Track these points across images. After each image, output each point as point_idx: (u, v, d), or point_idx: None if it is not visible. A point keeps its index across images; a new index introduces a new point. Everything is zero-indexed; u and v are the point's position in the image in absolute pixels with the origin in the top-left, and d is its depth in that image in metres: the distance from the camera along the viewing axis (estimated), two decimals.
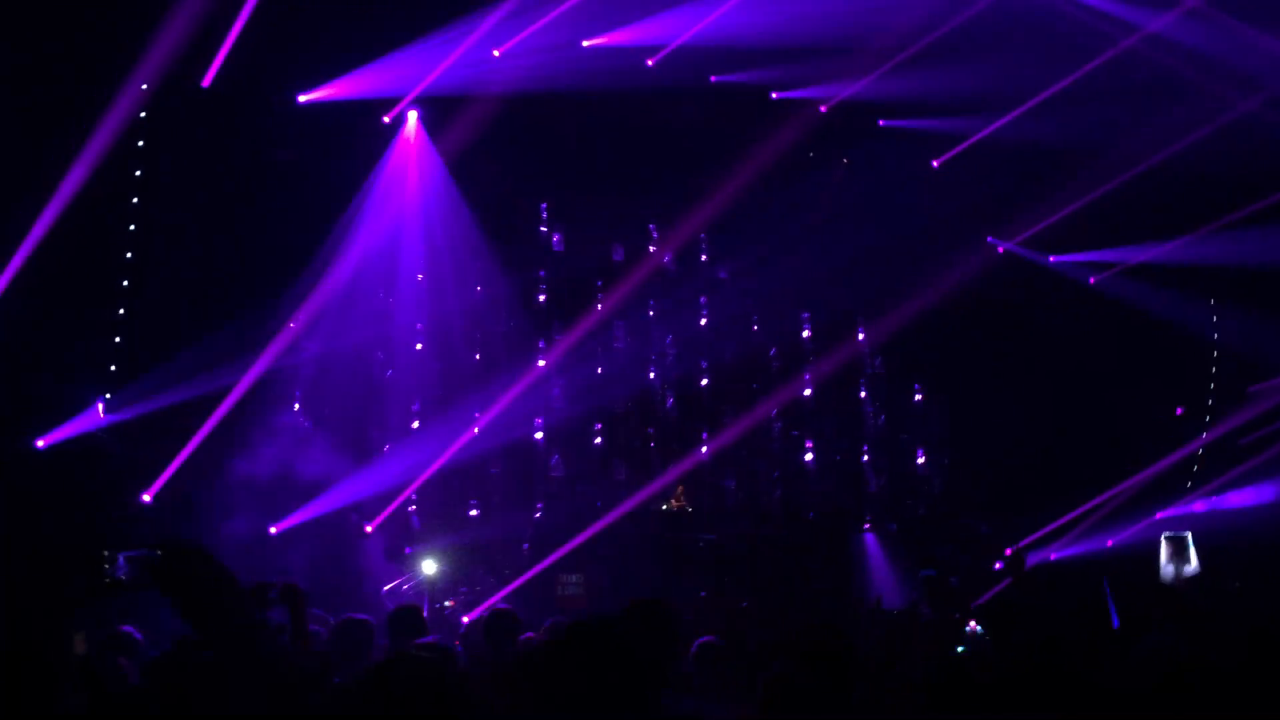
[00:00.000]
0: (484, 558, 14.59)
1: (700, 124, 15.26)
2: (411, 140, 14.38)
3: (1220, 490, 15.29)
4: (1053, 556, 15.44)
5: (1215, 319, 16.07)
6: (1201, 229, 14.27)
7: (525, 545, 15.32)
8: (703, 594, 14.51)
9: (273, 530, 12.62)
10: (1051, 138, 13.94)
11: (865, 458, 17.82)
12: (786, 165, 15.55)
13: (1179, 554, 13.99)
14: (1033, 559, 15.37)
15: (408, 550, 13.82)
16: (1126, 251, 15.00)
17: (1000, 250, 16.58)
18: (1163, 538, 14.18)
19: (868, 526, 17.25)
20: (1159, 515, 15.30)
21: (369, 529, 13.78)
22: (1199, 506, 15.38)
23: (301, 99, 12.89)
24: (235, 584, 3.57)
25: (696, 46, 13.47)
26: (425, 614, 8.67)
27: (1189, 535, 14.01)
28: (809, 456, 17.62)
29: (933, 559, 14.50)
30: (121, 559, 9.05)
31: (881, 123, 15.32)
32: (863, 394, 17.92)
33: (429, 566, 13.31)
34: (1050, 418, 15.78)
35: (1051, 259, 16.23)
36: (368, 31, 12.63)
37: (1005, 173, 14.90)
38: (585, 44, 13.81)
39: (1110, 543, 14.92)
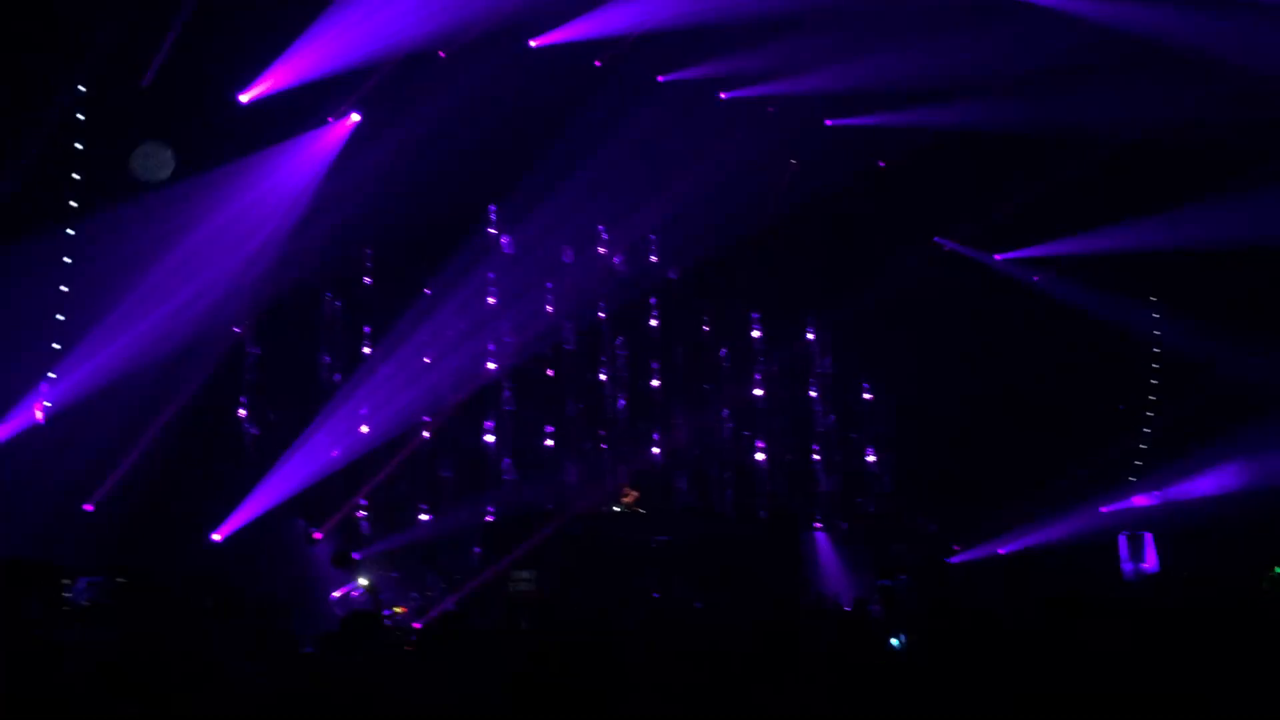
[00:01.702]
0: (433, 562, 14.49)
1: (649, 123, 15.25)
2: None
3: (1163, 484, 15.55)
4: (1000, 551, 15.62)
5: (1156, 315, 16.33)
6: (1144, 215, 14.47)
7: (476, 549, 15.24)
8: (655, 595, 14.52)
9: (215, 537, 12.43)
10: (993, 128, 14.07)
11: (816, 457, 17.91)
12: (734, 165, 15.62)
13: (1137, 552, 14.25)
14: (978, 553, 15.61)
15: (356, 556, 13.66)
16: (1070, 243, 15.18)
17: (947, 249, 16.75)
18: (1121, 536, 14.42)
19: (819, 525, 17.34)
20: (1103, 509, 15.54)
21: (318, 535, 13.62)
22: (1142, 500, 15.63)
23: (243, 98, 12.68)
24: (187, 607, 3.52)
25: (641, 41, 13.38)
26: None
27: (1147, 535, 14.28)
28: (760, 456, 17.68)
29: (890, 570, 14.62)
30: (81, 583, 8.88)
31: (828, 122, 15.39)
32: (812, 393, 18.01)
33: (364, 578, 13.22)
34: (997, 415, 15.94)
35: (997, 257, 16.42)
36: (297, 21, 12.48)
37: (950, 167, 15.05)
38: (532, 43, 13.77)
39: (1057, 536, 15.11)
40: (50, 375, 11.65)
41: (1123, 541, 14.44)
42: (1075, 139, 14.00)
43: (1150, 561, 14.31)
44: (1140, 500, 15.66)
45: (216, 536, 12.47)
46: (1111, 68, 13.07)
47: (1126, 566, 14.15)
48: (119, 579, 10.08)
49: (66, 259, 11.85)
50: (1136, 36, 12.75)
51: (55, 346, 11.74)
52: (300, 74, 12.27)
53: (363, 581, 13.07)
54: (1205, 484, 15.12)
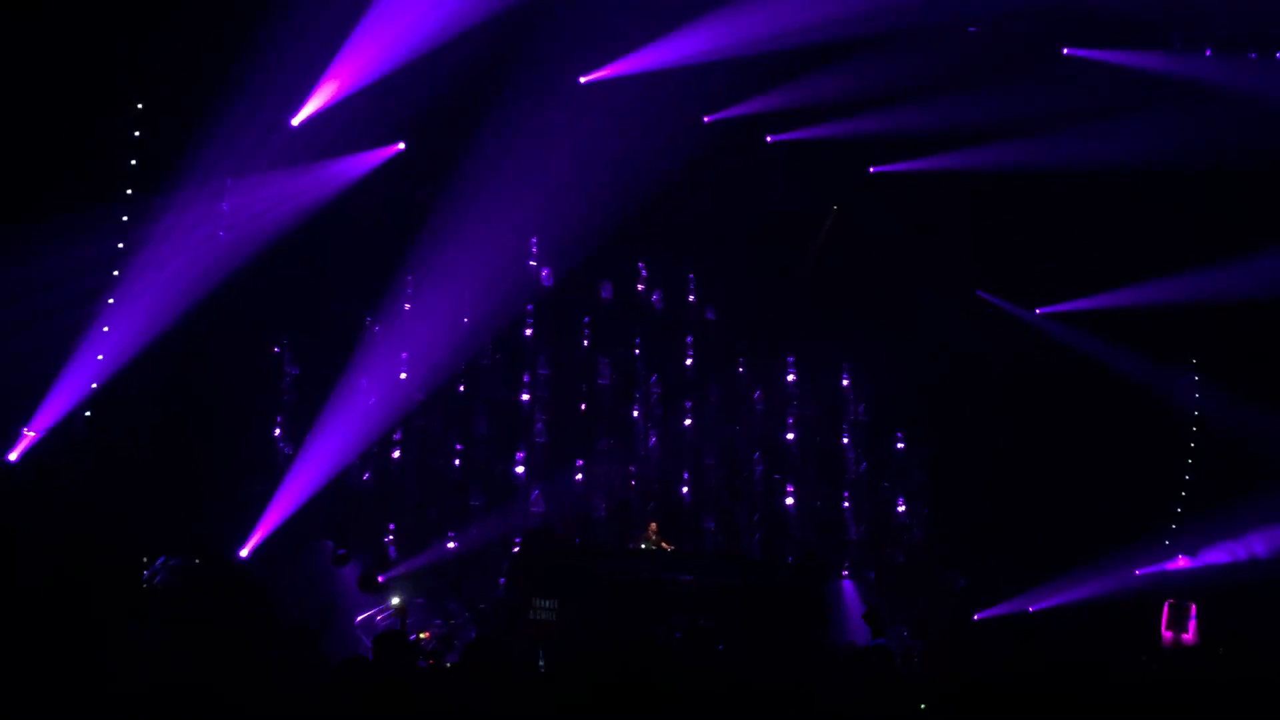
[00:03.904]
0: (458, 590, 14.47)
1: (694, 164, 15.34)
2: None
3: (1199, 548, 15.30)
4: (1030, 609, 15.39)
5: (1196, 377, 16.15)
6: (1187, 269, 14.40)
7: (501, 580, 15.21)
8: (678, 635, 14.40)
9: (243, 553, 12.49)
10: (1036, 172, 14.06)
11: (846, 504, 17.77)
12: (774, 209, 15.70)
13: (1179, 621, 14.02)
14: (1007, 609, 15.37)
15: (381, 579, 13.68)
16: (1111, 297, 15.08)
17: (988, 302, 16.65)
18: (1167, 604, 14.19)
19: (846, 573, 17.17)
20: (1139, 571, 15.30)
21: (342, 553, 13.66)
22: (1182, 563, 15.37)
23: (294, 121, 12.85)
24: (265, 593, 3.55)
25: (688, 76, 13.47)
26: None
27: (1192, 606, 14.05)
28: (789, 501, 17.57)
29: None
30: (161, 563, 9.01)
31: (872, 169, 15.42)
32: (845, 440, 17.91)
33: (395, 598, 13.22)
34: (1032, 471, 15.77)
35: (1038, 310, 16.32)
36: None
37: (992, 216, 15.03)
38: (583, 81, 13.92)
39: (1088, 594, 14.88)
40: (99, 357, 11.80)
41: (1167, 609, 14.19)
42: (1120, 185, 13.96)
43: (1191, 633, 14.06)
44: (1181, 563, 15.40)
45: (242, 553, 12.53)
46: (1158, 110, 13.09)
47: (1166, 634, 13.92)
48: (197, 561, 10.23)
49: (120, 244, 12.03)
50: (1185, 81, 12.80)
51: (104, 329, 11.89)
52: (344, 89, 12.44)
53: (395, 601, 13.08)
54: (1242, 548, 14.87)
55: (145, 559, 10.28)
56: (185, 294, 12.45)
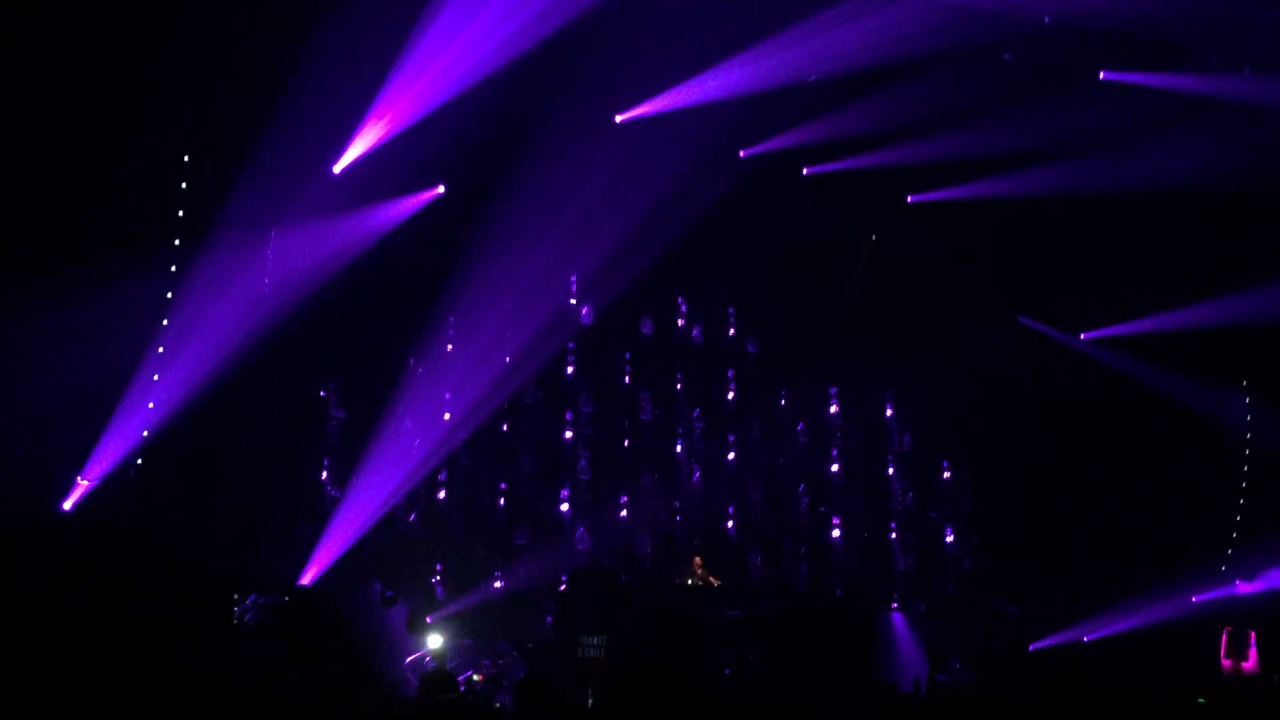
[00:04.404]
0: (506, 629, 14.47)
1: (731, 198, 15.40)
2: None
3: (1257, 573, 15.01)
4: (1086, 639, 15.14)
5: (1247, 399, 15.90)
6: (1233, 290, 14.23)
7: (549, 618, 15.19)
8: (727, 670, 14.30)
9: (304, 581, 12.57)
10: (1078, 195, 13.97)
11: (893, 535, 17.62)
12: (812, 240, 15.70)
13: (1238, 649, 13.78)
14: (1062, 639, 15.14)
15: (429, 619, 13.70)
16: (1157, 320, 14.91)
17: (1032, 327, 16.52)
18: (1225, 631, 13.94)
19: (895, 605, 16.99)
20: (1196, 598, 15.03)
21: (390, 594, 13.71)
22: (1241, 589, 15.08)
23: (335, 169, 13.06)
24: (351, 631, 3.60)
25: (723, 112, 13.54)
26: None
27: (1251, 633, 13.80)
28: (836, 533, 17.45)
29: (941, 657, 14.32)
30: (251, 601, 9.11)
31: (911, 198, 15.39)
32: (890, 470, 17.78)
33: (437, 640, 13.22)
34: (1083, 498, 15.56)
35: (1083, 336, 16.16)
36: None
37: (1035, 241, 14.94)
38: (618, 119, 14.03)
39: (1144, 622, 14.62)
40: (149, 405, 11.97)
41: (1226, 637, 13.92)
42: (1161, 207, 13.84)
43: (1251, 661, 13.79)
44: (1239, 589, 15.11)
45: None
46: (1198, 131, 13.00)
47: (1225, 662, 13.64)
48: (288, 598, 10.29)
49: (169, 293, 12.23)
50: (1224, 101, 12.71)
51: (154, 378, 12.06)
52: (384, 134, 12.62)
53: (433, 646, 13.10)
54: None
55: (236, 596, 10.38)
56: (232, 341, 12.62)
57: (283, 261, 13.05)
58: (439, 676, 7.31)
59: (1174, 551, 15.00)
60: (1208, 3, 12.21)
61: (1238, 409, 15.89)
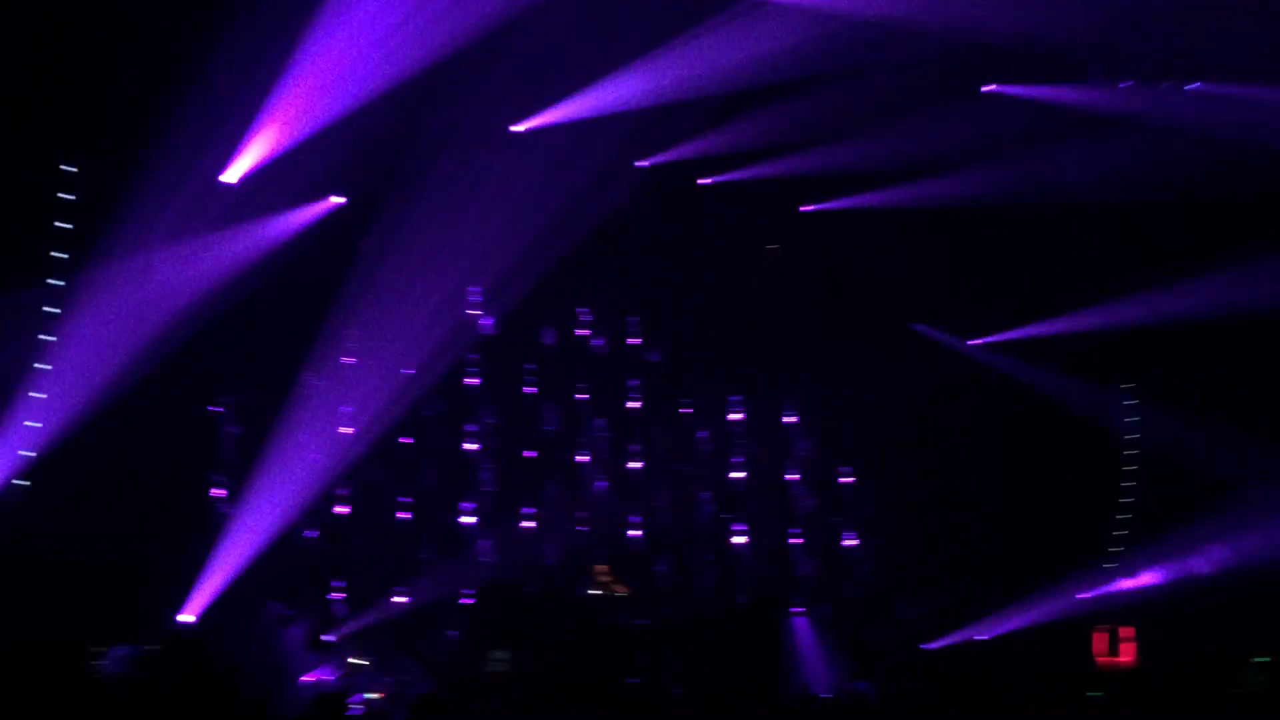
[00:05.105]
0: (409, 646, 14.32)
1: (630, 208, 15.49)
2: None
3: (1137, 571, 15.53)
4: (978, 638, 15.50)
5: (1130, 402, 16.42)
6: (1116, 295, 14.72)
7: (454, 633, 15.08)
8: (634, 680, 14.35)
9: (190, 618, 12.29)
10: (966, 205, 14.33)
11: (796, 540, 17.81)
12: (712, 250, 15.86)
13: (1113, 646, 14.23)
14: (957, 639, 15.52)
15: (329, 638, 13.50)
16: (1043, 326, 15.36)
17: (923, 334, 16.88)
18: (1101, 629, 14.39)
19: (799, 610, 17.18)
20: (1080, 595, 15.48)
21: (288, 614, 13.46)
22: (1124, 585, 15.58)
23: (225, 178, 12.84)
24: (234, 669, 3.51)
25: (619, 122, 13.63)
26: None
27: (1123, 629, 14.26)
28: (740, 539, 17.60)
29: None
30: (113, 654, 8.69)
31: (803, 208, 15.63)
32: (793, 476, 17.98)
33: (346, 657, 13.05)
34: (974, 499, 15.94)
35: (971, 342, 16.56)
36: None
37: (926, 250, 15.28)
38: (514, 129, 14.03)
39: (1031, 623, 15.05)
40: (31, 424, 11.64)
41: (1096, 636, 14.41)
42: (1049, 216, 14.26)
43: (1126, 657, 14.28)
44: (1122, 585, 15.60)
45: (188, 617, 12.33)
46: (1079, 143, 13.44)
47: (1100, 660, 14.11)
48: (153, 648, 9.93)
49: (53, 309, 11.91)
50: (1104, 114, 13.15)
51: (37, 395, 11.73)
52: (278, 145, 12.45)
53: (352, 661, 12.91)
54: (1181, 569, 15.12)
55: (93, 650, 9.97)
56: (120, 356, 12.32)
57: (173, 273, 12.78)
58: (327, 700, 7.22)
59: (1064, 551, 15.42)
60: (1087, 19, 12.62)
61: (1121, 411, 16.41)
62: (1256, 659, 11.64)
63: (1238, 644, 12.60)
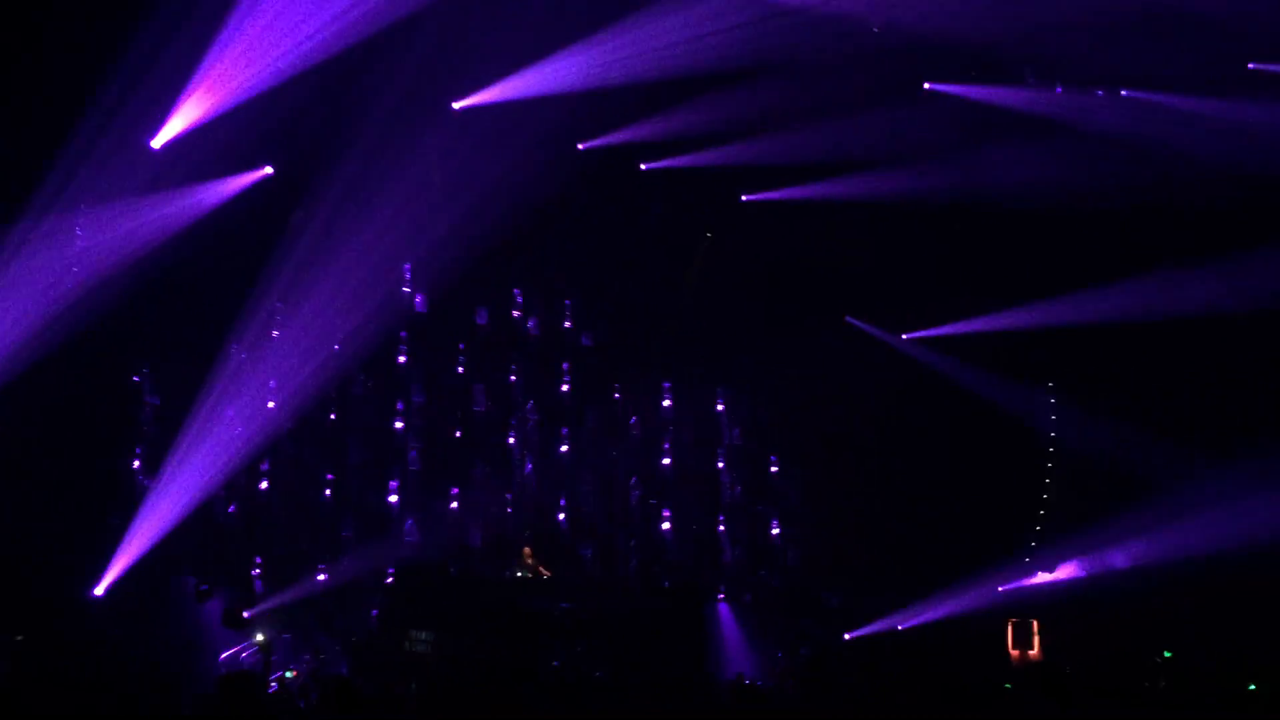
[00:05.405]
0: (329, 624, 14.16)
1: (569, 191, 15.40)
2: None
3: (1053, 564, 15.86)
4: (900, 627, 15.71)
5: (1053, 401, 16.74)
6: (1044, 295, 14.98)
7: (374, 611, 14.92)
8: (556, 663, 14.32)
9: (98, 591, 12.01)
10: (904, 202, 14.47)
11: (721, 528, 17.89)
12: (649, 236, 15.84)
13: (1024, 639, 14.53)
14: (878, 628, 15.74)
15: (247, 614, 13.28)
16: (975, 323, 15.58)
17: (857, 328, 17.02)
18: (1010, 622, 14.65)
19: (722, 597, 17.28)
20: (1001, 588, 15.77)
21: (204, 588, 13.24)
22: (1043, 578, 15.89)
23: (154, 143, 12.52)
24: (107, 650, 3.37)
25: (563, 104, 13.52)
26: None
27: (1034, 622, 14.54)
28: (666, 526, 17.63)
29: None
30: None
31: (745, 198, 15.66)
32: (720, 464, 18.05)
33: (263, 634, 12.86)
34: (902, 492, 16.12)
35: (904, 336, 16.74)
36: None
37: (864, 245, 15.40)
38: (456, 106, 13.86)
39: (952, 612, 15.31)
40: None
41: (1010, 628, 14.70)
42: (985, 215, 14.45)
43: (1036, 649, 14.59)
44: (1041, 578, 15.90)
45: (98, 591, 12.05)
46: (1015, 144, 13.64)
47: (1013, 651, 14.43)
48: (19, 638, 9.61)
49: None
50: (1038, 117, 13.37)
51: None
52: (208, 111, 12.16)
53: (259, 638, 12.72)
54: (1097, 563, 15.48)
55: None
56: (35, 322, 11.97)
57: (94, 239, 12.44)
58: (242, 677, 7.09)
59: (985, 544, 15.67)
60: (1025, 23, 12.80)
61: (1043, 408, 16.72)
62: (1165, 654, 11.95)
63: (1147, 639, 12.93)
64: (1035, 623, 14.46)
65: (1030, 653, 14.31)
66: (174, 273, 12.99)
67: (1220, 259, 13.70)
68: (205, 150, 12.93)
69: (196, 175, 13.30)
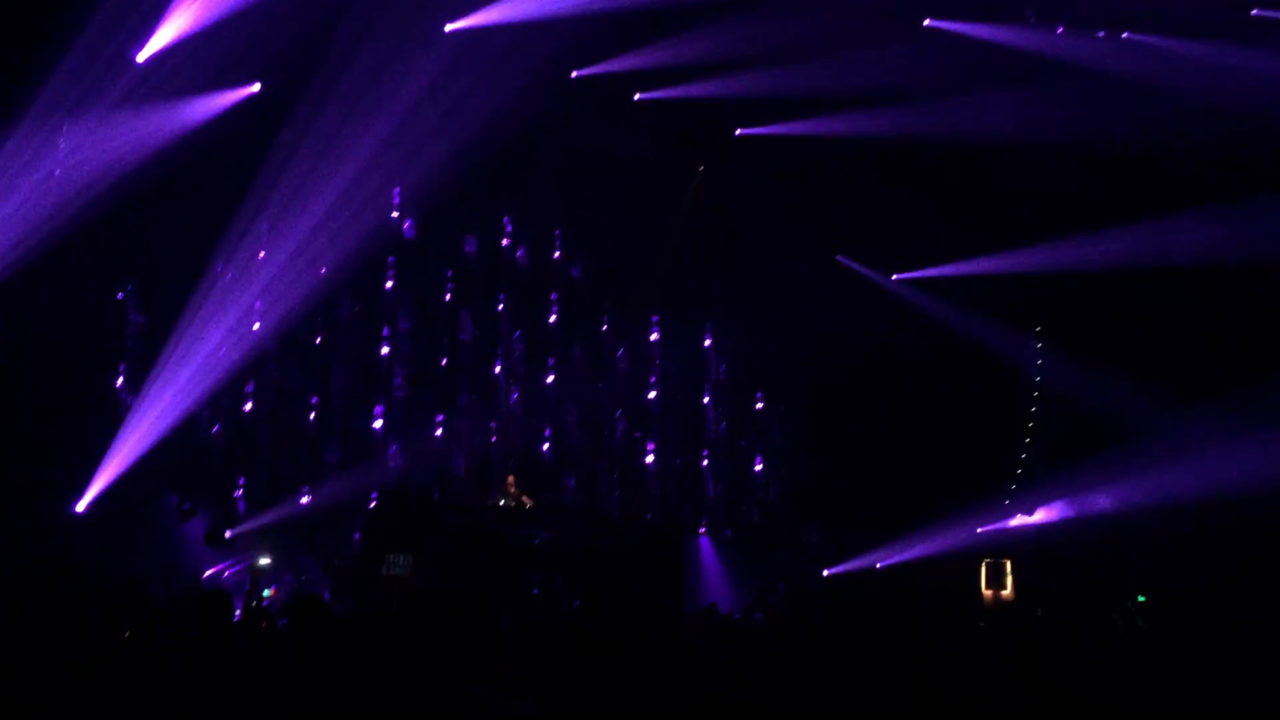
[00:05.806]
0: (311, 545, 14.20)
1: (562, 120, 15.20)
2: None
3: (1033, 507, 16.00)
4: (879, 565, 15.86)
5: (1039, 345, 16.76)
6: (1036, 240, 14.93)
7: (356, 535, 14.97)
8: (535, 591, 14.41)
9: (80, 508, 12.00)
10: (898, 140, 14.33)
11: (705, 463, 17.97)
12: (642, 167, 15.67)
13: (997, 579, 14.67)
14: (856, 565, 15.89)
15: (229, 534, 13.32)
16: (965, 265, 15.53)
17: (846, 266, 16.97)
18: (984, 563, 14.79)
19: (703, 531, 17.39)
20: (980, 529, 15.90)
21: (187, 507, 13.26)
22: (1015, 522, 16.03)
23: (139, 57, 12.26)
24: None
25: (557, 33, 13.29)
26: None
27: (1007, 562, 14.68)
28: (650, 459, 17.69)
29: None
30: None
31: (739, 132, 15.50)
32: (706, 399, 18.07)
33: (261, 557, 12.87)
34: (886, 432, 16.18)
35: (895, 277, 16.69)
36: None
37: (857, 181, 15.29)
38: (448, 29, 13.62)
39: (931, 552, 15.45)
40: None
41: (984, 568, 14.84)
42: (981, 156, 14.34)
43: (1009, 589, 14.75)
44: (1019, 520, 16.04)
45: (79, 507, 12.04)
46: (1015, 85, 13.50)
47: (985, 592, 14.60)
48: None
49: None
50: (1039, 57, 13.22)
51: None
52: (194, 24, 11.91)
53: (263, 561, 12.72)
54: (1076, 507, 15.61)
55: None
56: (21, 237, 11.82)
57: (78, 152, 12.24)
58: (222, 596, 7.08)
59: (966, 485, 15.77)
60: None
61: (1030, 352, 16.75)
62: (1138, 597, 12.06)
63: (1122, 582, 13.07)
64: (1008, 563, 14.59)
65: (1003, 593, 14.45)
66: (160, 189, 12.81)
67: (1217, 206, 13.67)
68: (192, 65, 12.69)
69: (183, 90, 13.08)
